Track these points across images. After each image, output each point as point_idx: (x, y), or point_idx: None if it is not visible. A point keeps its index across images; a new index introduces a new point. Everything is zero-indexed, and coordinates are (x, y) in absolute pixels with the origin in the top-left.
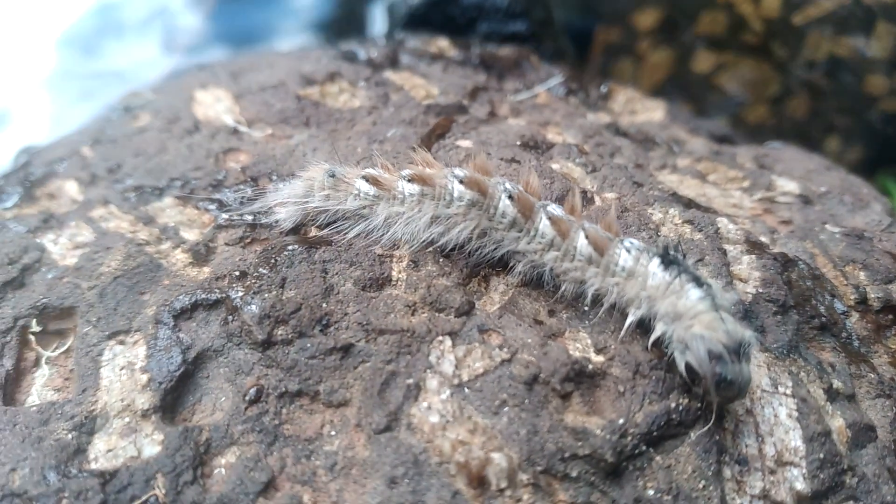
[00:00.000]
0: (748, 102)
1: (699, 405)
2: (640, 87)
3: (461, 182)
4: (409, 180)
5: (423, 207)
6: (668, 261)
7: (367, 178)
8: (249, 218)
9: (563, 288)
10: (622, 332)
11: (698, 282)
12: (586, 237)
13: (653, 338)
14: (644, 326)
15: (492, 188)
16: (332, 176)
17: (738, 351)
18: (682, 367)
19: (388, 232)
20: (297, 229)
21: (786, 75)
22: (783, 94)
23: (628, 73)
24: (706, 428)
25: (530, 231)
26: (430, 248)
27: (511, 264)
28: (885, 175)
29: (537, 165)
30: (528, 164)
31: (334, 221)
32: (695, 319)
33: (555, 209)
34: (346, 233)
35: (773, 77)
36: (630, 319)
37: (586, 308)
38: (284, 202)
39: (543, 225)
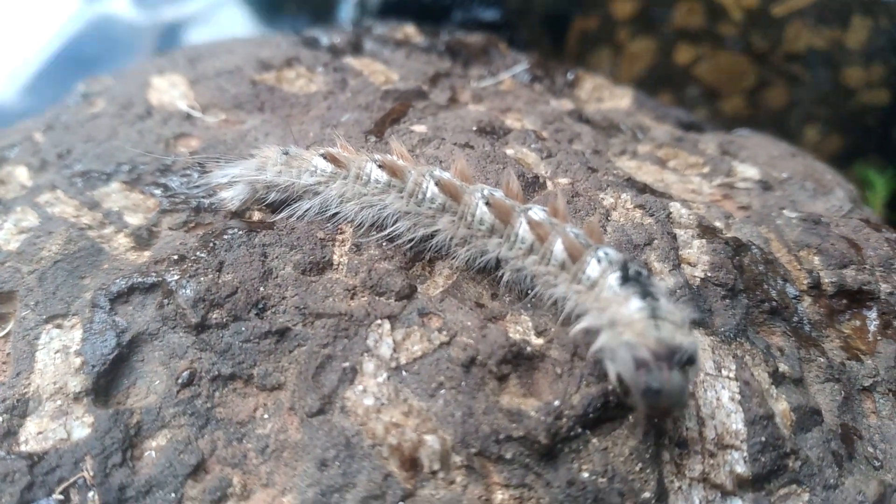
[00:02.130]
0: (725, 93)
1: None
2: (619, 78)
3: (436, 184)
4: (378, 166)
5: (386, 198)
6: (627, 277)
7: (325, 156)
8: (201, 194)
9: (536, 290)
10: (571, 334)
11: (646, 294)
12: (563, 242)
13: (593, 348)
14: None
15: (467, 195)
16: (287, 153)
17: (670, 358)
18: (613, 378)
19: (340, 208)
20: (241, 213)
21: (764, 66)
22: (760, 85)
23: (606, 63)
24: (637, 441)
25: (510, 237)
26: (397, 242)
27: (500, 275)
28: (863, 165)
29: (491, 150)
30: (482, 149)
31: (284, 202)
32: (627, 326)
33: (536, 213)
34: (297, 211)
35: (749, 68)
36: (579, 326)
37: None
38: (234, 180)
39: (523, 230)
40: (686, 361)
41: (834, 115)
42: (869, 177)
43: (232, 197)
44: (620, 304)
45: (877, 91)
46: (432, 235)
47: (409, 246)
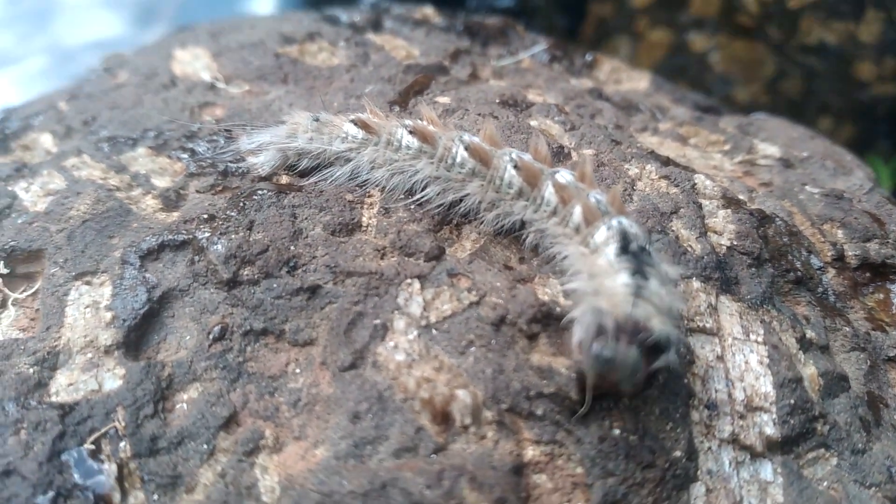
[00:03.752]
0: (741, 82)
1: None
2: (637, 65)
3: (466, 149)
4: (410, 132)
5: (417, 164)
6: (626, 249)
7: (355, 122)
8: (229, 158)
9: (551, 250)
10: (559, 293)
11: (639, 272)
12: (581, 206)
13: (570, 315)
14: None
15: (496, 159)
16: (317, 120)
17: (633, 334)
18: (574, 344)
19: (370, 175)
20: (269, 177)
21: (781, 57)
22: (778, 76)
23: (625, 51)
24: (581, 411)
25: (536, 199)
26: (425, 207)
27: (524, 236)
28: (874, 155)
29: (515, 121)
30: (506, 120)
31: (316, 168)
32: (605, 297)
33: (563, 176)
34: (328, 177)
35: (768, 58)
36: (568, 286)
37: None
38: (265, 146)
39: (548, 192)
40: (652, 346)
41: (847, 105)
42: (875, 165)
43: (263, 163)
44: (609, 275)
45: (889, 84)
46: (461, 200)
47: (437, 210)
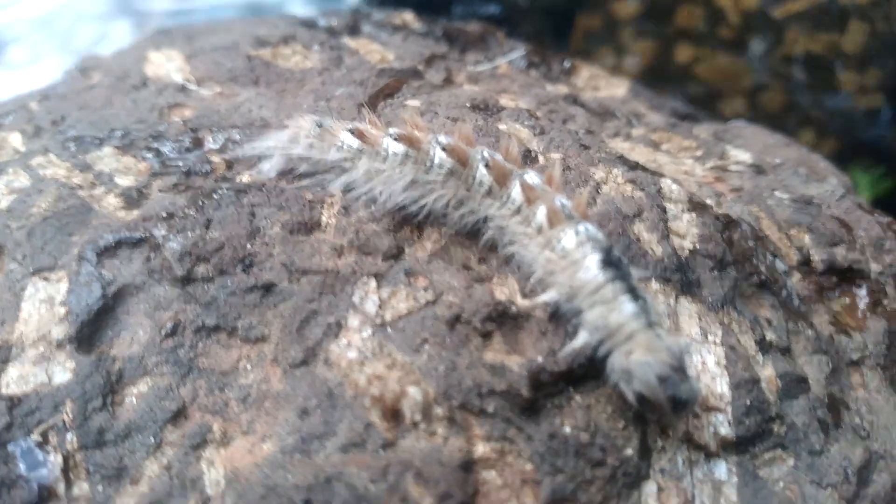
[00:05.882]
0: (724, 94)
1: None
2: (621, 75)
3: (443, 149)
4: (395, 139)
5: (404, 169)
6: (608, 261)
7: (352, 131)
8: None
9: (510, 248)
10: (531, 304)
11: (633, 294)
12: (545, 207)
13: (572, 346)
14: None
15: (471, 158)
16: (320, 126)
17: (682, 367)
18: (632, 398)
19: (367, 187)
20: (231, 177)
21: (762, 69)
22: (758, 87)
23: (609, 62)
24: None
25: (503, 197)
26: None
27: (483, 232)
28: (855, 167)
29: (484, 125)
30: (474, 123)
31: (314, 174)
32: (632, 342)
33: (531, 177)
34: (326, 185)
35: (747, 70)
36: (545, 298)
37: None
38: (271, 152)
39: (515, 191)
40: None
41: (829, 118)
42: (854, 175)
43: (269, 169)
44: (609, 303)
45: (871, 95)
46: (436, 201)
47: (398, 211)
